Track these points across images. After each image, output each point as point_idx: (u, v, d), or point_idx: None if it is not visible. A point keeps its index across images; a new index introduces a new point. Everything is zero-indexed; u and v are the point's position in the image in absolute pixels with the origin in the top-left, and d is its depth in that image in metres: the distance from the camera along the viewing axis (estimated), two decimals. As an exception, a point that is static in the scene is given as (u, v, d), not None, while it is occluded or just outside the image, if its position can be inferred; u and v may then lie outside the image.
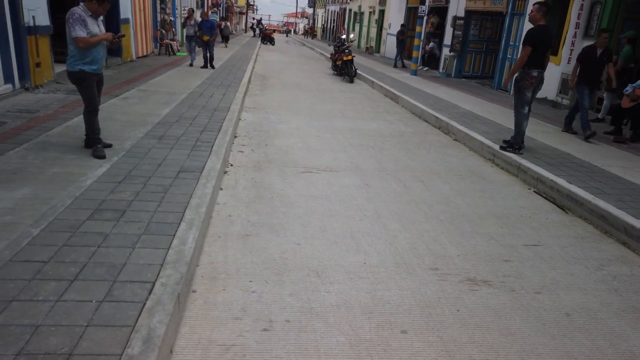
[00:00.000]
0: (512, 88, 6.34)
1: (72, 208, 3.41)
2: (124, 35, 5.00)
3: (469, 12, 15.05)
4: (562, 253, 3.84)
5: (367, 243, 3.72)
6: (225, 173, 5.03)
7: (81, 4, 4.60)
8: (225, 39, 23.86)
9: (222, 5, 34.50)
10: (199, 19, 13.88)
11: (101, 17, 4.79)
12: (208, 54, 12.93)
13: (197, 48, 13.67)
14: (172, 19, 17.79)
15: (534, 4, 6.15)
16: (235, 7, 45.64)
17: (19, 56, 7.30)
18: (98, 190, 3.80)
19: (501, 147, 6.34)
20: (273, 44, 30.85)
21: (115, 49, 11.48)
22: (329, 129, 7.67)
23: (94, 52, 4.64)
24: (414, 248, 3.70)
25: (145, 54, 14.63)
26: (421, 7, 15.10)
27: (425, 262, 3.49)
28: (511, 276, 3.38)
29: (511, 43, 12.79)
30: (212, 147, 5.38)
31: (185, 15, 13.87)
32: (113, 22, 11.42)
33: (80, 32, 4.44)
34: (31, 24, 7.54)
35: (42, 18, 7.93)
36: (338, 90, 12.46)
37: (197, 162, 4.77)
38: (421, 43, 16.12)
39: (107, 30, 10.21)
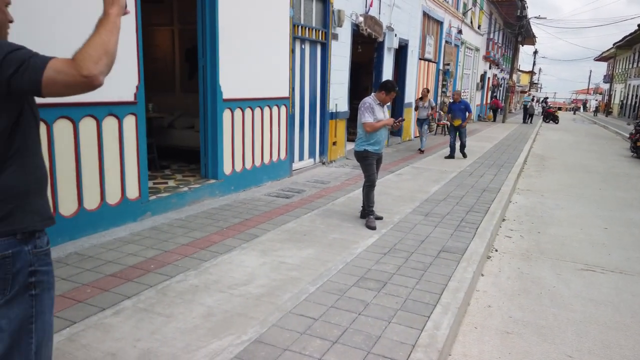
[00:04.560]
0: None
1: (342, 272, 3.79)
2: (403, 120, 5.50)
3: None
4: None
5: (671, 378, 2.87)
6: (488, 258, 4.78)
7: (372, 94, 5.33)
8: (530, 117, 27.44)
9: (502, 85, 34.34)
10: (432, 102, 12.12)
11: (387, 104, 5.42)
12: (458, 142, 10.77)
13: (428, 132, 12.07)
14: (450, 101, 18.66)
15: None
16: (517, 87, 44.75)
17: (322, 136, 8.86)
18: (366, 259, 4.14)
19: None
20: (557, 122, 28.63)
21: (396, 130, 12.67)
22: (621, 220, 6.47)
23: (378, 135, 5.24)
24: None
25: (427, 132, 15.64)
26: None
27: None
28: None
29: None
30: (477, 229, 5.22)
31: (420, 97, 12.01)
32: (398, 105, 12.73)
33: (368, 118, 5.11)
34: (334, 110, 9.10)
35: (342, 105, 9.48)
36: (637, 175, 10.50)
37: (459, 244, 4.70)
38: None
39: (392, 112, 11.33)
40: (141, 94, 4.78)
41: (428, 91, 11.79)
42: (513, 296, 3.94)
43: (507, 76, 36.08)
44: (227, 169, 6.18)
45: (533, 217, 6.47)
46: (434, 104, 11.99)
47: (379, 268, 3.94)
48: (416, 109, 11.79)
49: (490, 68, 28.69)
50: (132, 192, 4.77)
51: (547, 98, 42.22)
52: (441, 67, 16.99)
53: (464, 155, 10.86)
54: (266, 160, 6.98)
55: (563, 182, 9.20)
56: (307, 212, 5.55)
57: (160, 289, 3.32)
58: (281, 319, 2.96)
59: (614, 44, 41.23)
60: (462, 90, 21.72)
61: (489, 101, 28.77)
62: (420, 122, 11.69)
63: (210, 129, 5.95)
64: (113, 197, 4.57)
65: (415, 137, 14.77)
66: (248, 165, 6.59)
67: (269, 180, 7.07)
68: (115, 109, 4.52)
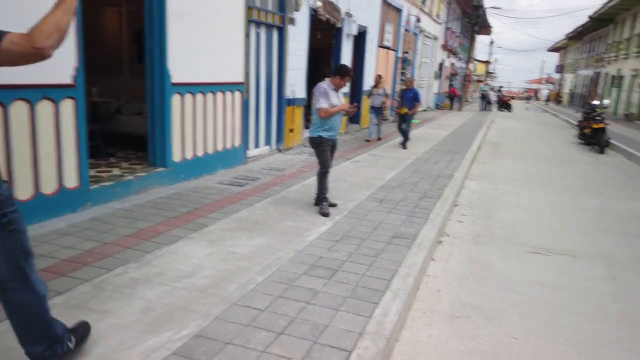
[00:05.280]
0: None
1: (293, 261, 3.71)
2: (357, 106, 5.44)
3: None
4: None
5: (608, 355, 2.96)
6: (439, 243, 4.81)
7: (326, 79, 5.23)
8: (489, 105, 29.09)
9: (459, 74, 34.99)
10: (387, 89, 11.40)
11: (342, 89, 5.33)
12: (414, 129, 10.59)
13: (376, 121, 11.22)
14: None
15: None
16: (473, 76, 45.73)
17: (278, 123, 8.69)
18: (318, 246, 4.07)
19: None
20: (510, 111, 29.50)
21: (354, 117, 12.63)
22: (568, 205, 6.70)
23: (332, 121, 5.16)
24: (681, 377, 2.77)
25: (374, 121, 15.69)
26: None
27: (699, 401, 2.56)
28: None
29: None
30: (429, 214, 5.26)
31: (373, 85, 11.32)
32: (357, 92, 12.67)
33: (322, 104, 5.02)
34: (291, 96, 8.95)
35: (300, 92, 9.34)
36: (584, 161, 10.94)
37: (411, 229, 4.71)
38: None
39: (350, 99, 11.25)
40: (80, 76, 4.49)
41: (381, 77, 11.32)
42: (462, 280, 3.98)
43: (465, 65, 36.79)
44: (176, 156, 5.94)
45: (484, 203, 6.59)
46: (388, 92, 11.31)
47: (330, 255, 3.88)
48: (370, 95, 11.26)
49: (448, 57, 29.14)
50: (71, 181, 4.50)
51: (501, 87, 43.31)
52: (400, 54, 17.07)
53: (404, 147, 10.22)
54: (219, 147, 6.77)
55: (514, 169, 9.45)
56: (261, 200, 5.42)
57: (97, 283, 3.13)
58: (225, 311, 2.85)
59: (565, 35, 42.72)
60: (421, 79, 21.94)
61: (446, 89, 29.28)
62: (374, 109, 11.08)
63: (158, 115, 5.69)
64: (49, 187, 4.29)
65: (375, 124, 14.82)
66: (200, 153, 6.37)
67: (222, 168, 6.87)
68: (50, 92, 4.23)
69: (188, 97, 6.05)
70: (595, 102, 14.42)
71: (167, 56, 5.59)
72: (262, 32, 7.93)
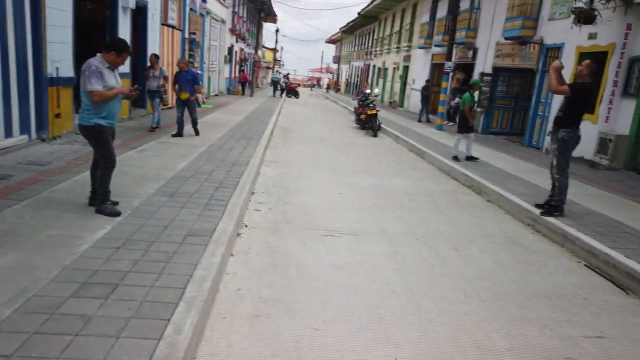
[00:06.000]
0: (552, 147, 5.84)
1: (57, 281, 2.96)
2: (139, 89, 4.75)
3: (497, 69, 14.82)
4: (632, 349, 3.19)
5: (398, 330, 3.15)
6: (238, 235, 4.57)
7: (98, 55, 4.38)
8: (281, 91, 30.40)
9: (249, 60, 35.46)
10: (165, 71, 10.19)
11: (119, 69, 4.57)
12: (184, 117, 9.38)
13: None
14: (199, 72, 18.06)
15: (584, 60, 5.73)
16: (262, 63, 47.03)
17: (39, 107, 7.19)
18: (92, 257, 3.37)
19: (542, 213, 5.75)
20: (297, 97, 31.26)
21: (139, 100, 11.45)
22: (352, 186, 7.22)
23: (110, 106, 4.38)
24: (455, 338, 3.10)
25: (170, 105, 14.68)
26: (447, 63, 14.96)
27: (469, 359, 2.88)
28: (577, 382, 2.74)
29: (542, 100, 12.38)
30: (226, 206, 4.96)
31: (148, 65, 10.16)
32: (139, 74, 11.48)
33: (96, 86, 4.19)
34: (54, 75, 7.50)
35: (67, 69, 7.92)
36: (361, 144, 12.14)
37: (207, 224, 4.34)
38: (447, 98, 15.89)
39: (133, 81, 10.04)
40: None
41: (157, 57, 10.13)
42: (263, 273, 3.81)
43: (253, 51, 37.47)
44: None
45: (280, 188, 6.62)
46: (166, 74, 10.15)
47: (109, 267, 3.24)
48: (146, 78, 9.88)
49: (237, 42, 29.14)
50: None
51: (288, 74, 45.70)
52: (187, 35, 16.20)
53: (197, 132, 9.60)
54: (-52, 137, 5.20)
55: (304, 152, 9.86)
56: (13, 204, 4.31)
57: None
58: (-54, 371, 2.04)
59: (340, 29, 47.15)
60: (211, 62, 21.37)
61: (237, 75, 29.36)
62: (151, 94, 9.93)
63: None
64: None
65: (162, 109, 13.75)
66: None
67: (-44, 164, 5.31)
68: None
69: None
70: (368, 91, 16.20)
71: None
72: (7, -8, 6.37)
